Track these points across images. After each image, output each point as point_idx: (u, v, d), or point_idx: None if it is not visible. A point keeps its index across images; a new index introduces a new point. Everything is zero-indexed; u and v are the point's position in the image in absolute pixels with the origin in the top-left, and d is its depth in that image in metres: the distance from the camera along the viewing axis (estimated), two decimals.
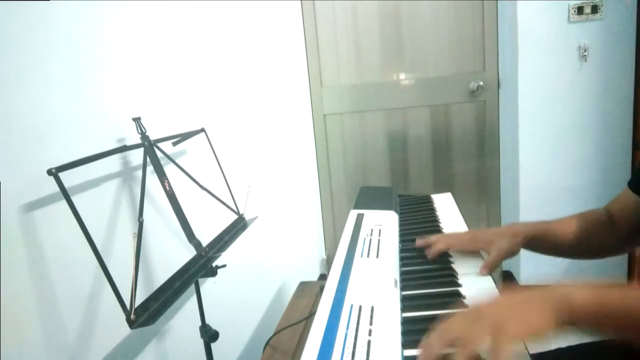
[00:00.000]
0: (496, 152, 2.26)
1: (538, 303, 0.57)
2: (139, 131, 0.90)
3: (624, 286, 0.60)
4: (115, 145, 0.93)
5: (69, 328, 0.81)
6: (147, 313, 0.73)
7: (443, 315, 0.59)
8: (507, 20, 2.04)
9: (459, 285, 0.77)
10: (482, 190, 2.33)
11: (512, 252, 0.85)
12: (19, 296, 0.71)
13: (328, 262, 2.47)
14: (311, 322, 0.63)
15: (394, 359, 0.55)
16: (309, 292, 1.40)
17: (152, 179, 0.92)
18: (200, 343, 0.97)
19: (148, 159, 0.88)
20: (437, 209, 1.16)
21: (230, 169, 1.22)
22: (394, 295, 0.70)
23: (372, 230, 0.95)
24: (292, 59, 2.19)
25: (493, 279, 0.80)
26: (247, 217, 1.11)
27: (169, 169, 0.95)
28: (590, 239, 0.89)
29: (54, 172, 0.68)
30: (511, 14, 1.97)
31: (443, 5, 2.14)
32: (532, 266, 2.11)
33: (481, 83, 2.15)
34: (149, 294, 0.77)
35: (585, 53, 1.86)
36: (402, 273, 0.81)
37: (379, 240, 0.90)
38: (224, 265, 0.95)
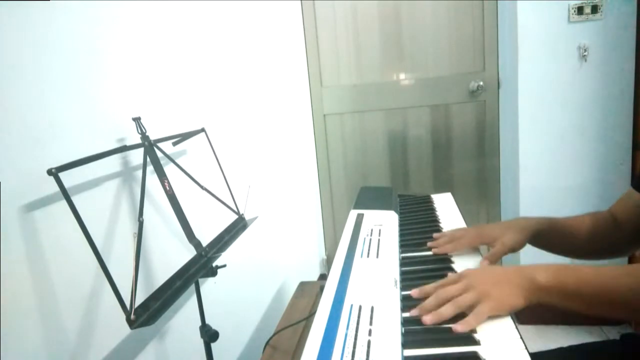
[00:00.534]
0: (496, 152, 2.26)
1: (515, 281, 0.65)
2: (139, 131, 0.90)
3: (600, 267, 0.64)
4: (115, 145, 0.92)
5: (69, 328, 0.81)
6: (147, 313, 0.73)
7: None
8: (507, 20, 2.04)
9: None
10: (482, 190, 2.33)
11: (517, 247, 0.85)
12: (19, 296, 0.71)
13: (328, 262, 2.47)
14: (311, 322, 0.63)
15: (394, 359, 0.55)
16: (309, 292, 1.41)
17: (152, 179, 0.92)
18: (200, 343, 0.97)
19: (148, 159, 0.88)
20: (437, 209, 1.16)
21: (230, 169, 1.22)
22: (394, 295, 0.70)
23: (372, 230, 0.95)
24: (292, 59, 2.19)
25: None
26: (247, 217, 1.11)
27: (169, 169, 0.95)
28: (601, 239, 0.89)
29: (54, 172, 0.67)
30: (511, 14, 1.97)
31: (443, 5, 2.14)
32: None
33: (481, 83, 2.15)
34: (149, 294, 0.77)
35: (585, 53, 1.86)
36: (402, 273, 0.81)
37: (379, 240, 0.90)
38: (224, 265, 0.94)
